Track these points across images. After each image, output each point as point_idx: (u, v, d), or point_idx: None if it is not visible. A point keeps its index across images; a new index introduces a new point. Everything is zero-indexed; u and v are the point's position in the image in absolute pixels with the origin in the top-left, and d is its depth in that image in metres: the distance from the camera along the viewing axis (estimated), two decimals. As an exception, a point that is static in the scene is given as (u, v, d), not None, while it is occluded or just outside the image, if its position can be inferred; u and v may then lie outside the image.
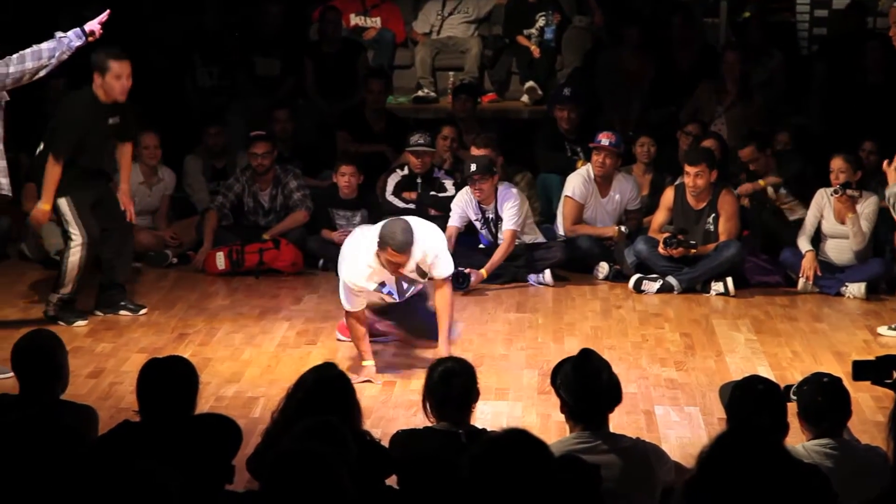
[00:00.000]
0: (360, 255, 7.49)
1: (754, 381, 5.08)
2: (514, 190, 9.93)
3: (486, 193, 9.70)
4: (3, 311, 9.01)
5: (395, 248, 7.29)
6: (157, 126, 10.68)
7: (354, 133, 11.48)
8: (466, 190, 9.89)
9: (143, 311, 9.07)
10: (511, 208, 9.77)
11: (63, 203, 8.62)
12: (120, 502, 3.79)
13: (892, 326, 8.71)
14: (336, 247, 9.34)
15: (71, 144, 8.55)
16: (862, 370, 5.01)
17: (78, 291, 8.83)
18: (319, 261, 10.31)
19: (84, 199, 8.69)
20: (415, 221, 7.59)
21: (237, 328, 8.74)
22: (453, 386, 5.16)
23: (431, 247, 7.54)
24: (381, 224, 7.47)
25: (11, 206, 10.39)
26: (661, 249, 9.76)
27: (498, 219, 9.83)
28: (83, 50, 8.29)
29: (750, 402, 4.88)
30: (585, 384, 4.90)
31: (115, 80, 8.51)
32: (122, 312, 9.01)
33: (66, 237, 8.71)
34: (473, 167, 9.68)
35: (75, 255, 8.67)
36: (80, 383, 7.31)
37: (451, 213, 9.91)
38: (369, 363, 7.63)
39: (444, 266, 7.63)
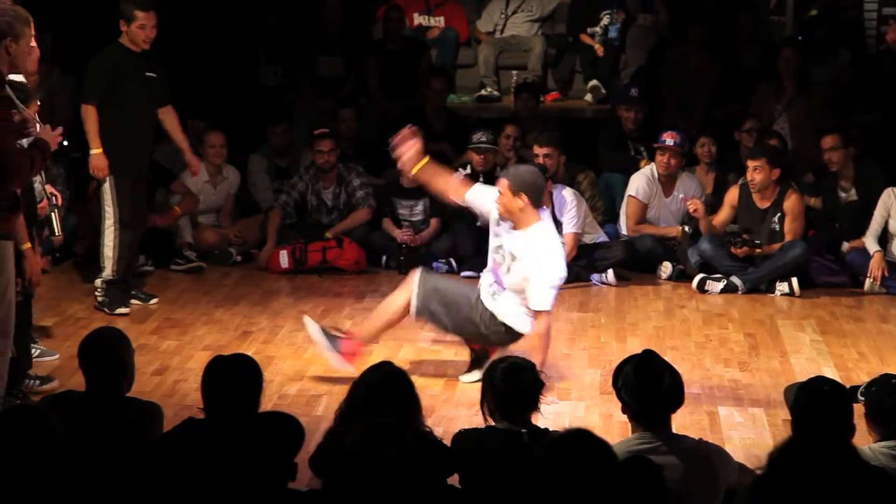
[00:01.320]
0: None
1: (820, 383, 5.03)
2: (568, 192, 9.85)
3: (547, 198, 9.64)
4: (69, 307, 9.10)
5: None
6: (222, 125, 10.76)
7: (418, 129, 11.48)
8: None
9: (153, 301, 9.18)
10: (570, 211, 9.74)
11: (107, 184, 8.82)
12: (183, 499, 3.81)
13: None
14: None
15: (100, 88, 8.73)
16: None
17: (123, 275, 8.97)
18: (382, 258, 10.34)
19: (126, 182, 8.83)
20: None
21: (300, 326, 8.72)
22: (517, 383, 5.14)
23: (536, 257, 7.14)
24: None
25: (78, 204, 10.54)
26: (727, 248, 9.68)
27: (556, 222, 9.78)
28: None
29: (815, 403, 4.84)
30: (647, 387, 4.88)
31: (139, 29, 8.70)
32: (133, 302, 9.11)
33: (102, 217, 8.90)
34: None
35: (109, 235, 8.88)
36: (146, 380, 7.36)
37: None
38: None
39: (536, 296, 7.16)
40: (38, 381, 7.20)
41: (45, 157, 6.21)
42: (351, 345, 7.44)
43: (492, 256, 7.32)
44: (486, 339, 7.40)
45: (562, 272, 7.13)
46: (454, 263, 10.19)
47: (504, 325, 7.26)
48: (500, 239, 7.25)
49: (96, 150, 8.77)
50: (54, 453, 4.24)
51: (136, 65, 8.77)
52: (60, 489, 4.22)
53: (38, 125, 6.33)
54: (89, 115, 8.75)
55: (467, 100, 12.63)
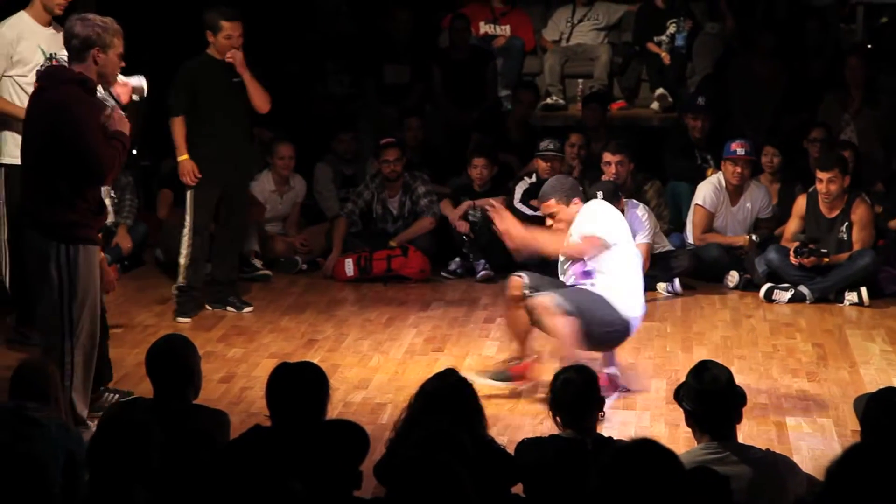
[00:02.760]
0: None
1: (891, 393, 4.98)
2: (641, 209, 9.83)
3: None
4: (138, 315, 9.17)
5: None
6: (288, 133, 10.81)
7: (489, 137, 11.52)
8: None
9: (247, 309, 9.25)
10: (643, 224, 9.72)
11: (188, 193, 8.97)
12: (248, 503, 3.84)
13: None
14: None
15: (185, 100, 8.84)
16: None
17: (192, 283, 9.07)
18: (449, 265, 10.32)
19: (207, 195, 8.95)
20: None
21: (365, 334, 8.80)
22: (573, 393, 5.14)
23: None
24: None
25: (147, 214, 10.64)
26: (792, 258, 9.64)
27: None
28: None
29: (886, 414, 4.78)
30: (705, 390, 4.86)
31: (225, 39, 8.80)
32: (228, 308, 9.21)
33: (183, 228, 9.06)
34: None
35: (184, 242, 9.02)
36: (212, 388, 7.41)
37: None
38: None
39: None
40: (115, 395, 7.19)
41: (125, 146, 6.34)
42: (518, 367, 7.45)
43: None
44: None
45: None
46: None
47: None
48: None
49: (183, 157, 8.89)
50: (153, 459, 4.33)
51: (223, 74, 8.86)
52: (147, 496, 4.29)
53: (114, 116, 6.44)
54: (176, 126, 8.89)
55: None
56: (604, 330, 7.34)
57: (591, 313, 7.25)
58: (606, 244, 7.36)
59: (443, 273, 10.37)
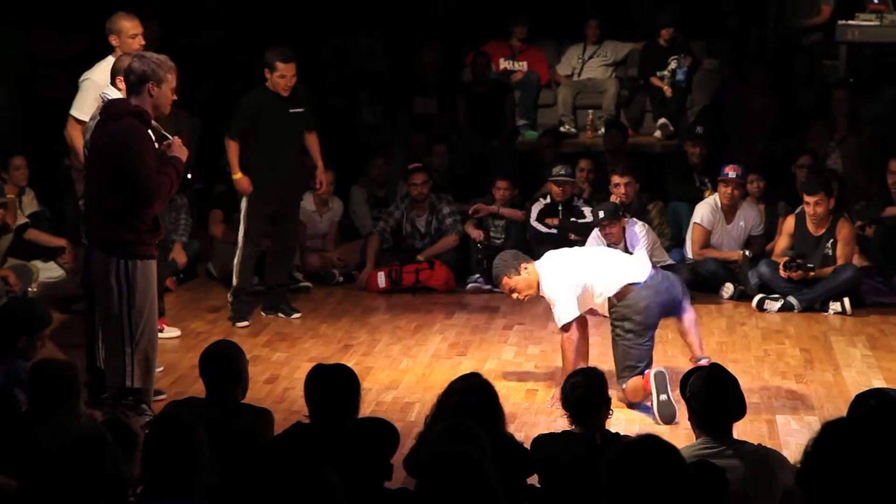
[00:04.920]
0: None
1: (870, 396, 4.92)
2: (639, 226, 9.78)
3: (616, 236, 9.53)
4: (192, 323, 9.19)
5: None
6: (327, 159, 10.82)
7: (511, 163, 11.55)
8: (596, 234, 9.75)
9: (295, 316, 9.27)
10: (639, 239, 9.67)
11: (244, 202, 9.00)
12: (292, 497, 3.83)
13: None
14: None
15: (241, 126, 8.92)
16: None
17: (247, 288, 9.12)
18: (482, 260, 10.28)
19: (264, 205, 8.99)
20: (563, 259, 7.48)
21: (395, 340, 8.80)
22: (580, 395, 5.14)
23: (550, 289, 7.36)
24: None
25: (200, 230, 10.67)
26: (781, 272, 9.61)
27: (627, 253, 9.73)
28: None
29: (873, 399, 4.74)
30: (715, 397, 4.84)
31: (279, 78, 8.86)
32: (279, 314, 9.23)
33: (238, 240, 9.09)
34: (602, 214, 9.56)
35: (237, 256, 9.07)
36: (258, 388, 7.41)
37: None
38: None
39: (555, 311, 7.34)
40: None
41: (179, 172, 6.37)
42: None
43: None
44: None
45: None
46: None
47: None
48: None
49: (237, 175, 8.95)
50: (200, 458, 4.32)
51: (279, 106, 8.91)
52: (203, 491, 4.28)
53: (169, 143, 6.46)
54: (231, 147, 8.97)
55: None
56: (632, 331, 7.23)
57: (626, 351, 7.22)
58: (569, 324, 7.24)
59: (468, 285, 10.33)
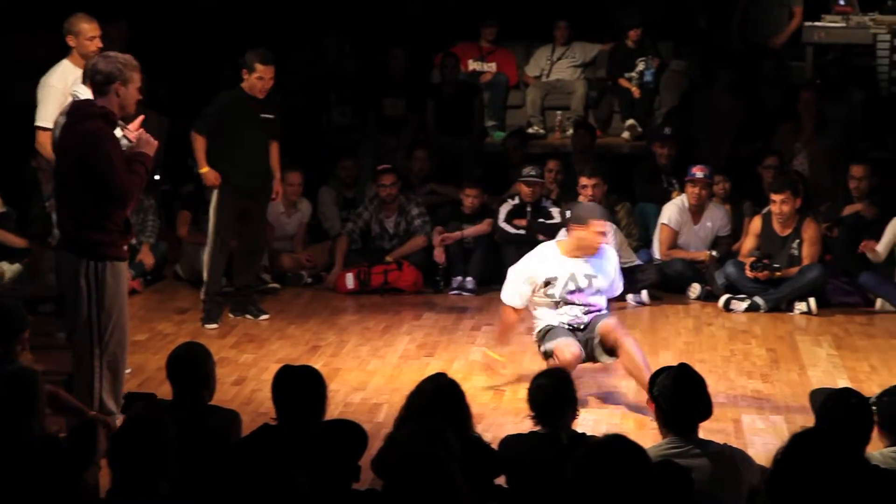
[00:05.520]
0: (540, 249, 7.61)
1: (848, 394, 4.98)
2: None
3: None
4: (159, 325, 9.16)
5: (595, 217, 7.53)
6: (296, 160, 10.82)
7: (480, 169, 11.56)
8: (564, 233, 9.79)
9: (263, 317, 9.27)
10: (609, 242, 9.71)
11: (214, 195, 8.98)
12: (259, 499, 3.83)
13: None
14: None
15: (209, 123, 8.90)
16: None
17: (217, 289, 9.11)
18: (439, 282, 10.31)
19: (233, 199, 8.96)
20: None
21: (364, 341, 8.80)
22: (544, 396, 5.16)
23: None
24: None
25: (168, 232, 10.64)
26: (748, 272, 9.67)
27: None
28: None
29: (840, 412, 4.79)
30: (682, 396, 4.86)
31: (258, 80, 8.87)
32: (247, 316, 9.22)
33: (207, 239, 9.07)
34: (569, 213, 9.61)
35: (206, 255, 9.05)
36: (226, 390, 7.40)
37: None
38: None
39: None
40: None
41: (147, 168, 6.37)
42: None
43: (564, 296, 7.47)
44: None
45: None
46: (470, 284, 10.23)
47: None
48: (570, 275, 7.46)
49: (204, 169, 8.93)
50: (169, 456, 4.32)
51: (251, 109, 8.92)
52: (168, 489, 4.28)
53: (136, 137, 6.45)
54: (197, 141, 8.94)
55: (515, 137, 12.62)
56: None
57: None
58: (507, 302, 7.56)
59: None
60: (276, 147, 9.22)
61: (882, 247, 9.68)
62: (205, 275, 9.11)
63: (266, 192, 9.35)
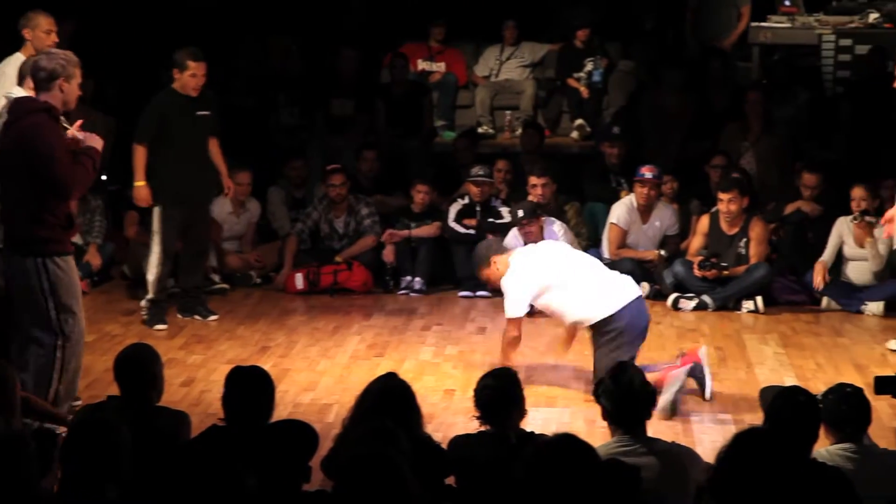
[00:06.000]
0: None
1: (796, 392, 5.03)
2: (558, 225, 9.91)
3: (535, 235, 9.66)
4: (107, 326, 9.10)
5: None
6: (245, 160, 10.78)
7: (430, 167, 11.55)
8: (515, 233, 9.84)
9: (212, 318, 9.23)
10: (559, 238, 9.76)
11: (155, 213, 8.92)
12: (208, 500, 3.82)
13: None
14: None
15: (149, 128, 8.83)
16: (884, 385, 4.97)
17: (163, 295, 9.06)
18: (389, 282, 10.31)
19: (173, 214, 8.92)
20: (527, 254, 7.68)
21: (313, 342, 8.78)
22: (489, 397, 5.18)
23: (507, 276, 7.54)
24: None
25: (115, 232, 10.56)
26: (696, 271, 9.74)
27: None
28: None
29: (789, 410, 4.83)
30: (622, 391, 4.90)
31: (190, 77, 8.81)
32: (195, 317, 9.18)
33: (150, 246, 9.00)
34: (521, 213, 9.67)
35: (153, 263, 8.97)
36: (174, 391, 7.36)
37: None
38: None
39: (506, 305, 7.59)
40: None
41: (96, 163, 6.36)
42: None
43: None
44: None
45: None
46: (418, 285, 10.22)
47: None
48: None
49: (139, 183, 8.86)
50: (122, 459, 4.29)
51: (187, 108, 8.86)
52: (116, 492, 4.25)
53: (83, 136, 6.46)
54: (139, 153, 8.86)
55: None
56: (615, 343, 7.37)
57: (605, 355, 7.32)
58: (515, 319, 7.51)
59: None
60: (215, 143, 9.17)
61: (830, 248, 9.77)
62: (151, 293, 9.04)
63: (208, 192, 9.28)
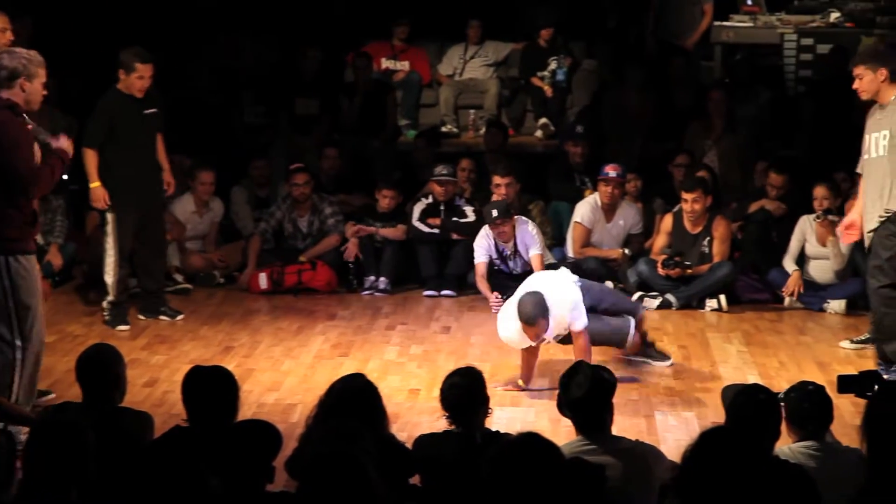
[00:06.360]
0: (510, 323, 7.41)
1: (757, 390, 5.05)
2: (529, 223, 9.92)
3: (508, 234, 9.69)
4: (68, 326, 9.05)
5: (525, 320, 7.23)
6: (208, 160, 10.74)
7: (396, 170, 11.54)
8: (486, 232, 9.84)
9: (179, 317, 9.19)
10: (534, 238, 9.79)
11: (109, 218, 8.88)
12: (171, 501, 3.80)
13: (854, 340, 8.64)
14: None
15: (99, 132, 8.78)
16: (847, 384, 4.99)
17: (124, 296, 9.03)
18: (353, 281, 10.29)
19: (127, 219, 8.88)
20: (548, 288, 7.42)
21: (277, 341, 8.76)
22: (457, 396, 5.17)
23: (562, 311, 7.39)
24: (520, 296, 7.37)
25: (76, 232, 10.50)
26: (659, 270, 9.77)
27: (516, 254, 9.82)
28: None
29: (750, 408, 4.85)
30: (572, 398, 4.94)
31: (137, 79, 8.77)
32: (160, 317, 9.14)
33: (104, 249, 8.94)
34: (495, 213, 9.67)
35: (109, 264, 8.92)
36: (137, 392, 7.32)
37: (475, 251, 9.83)
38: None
39: (578, 321, 7.46)
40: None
41: (65, 163, 6.34)
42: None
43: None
44: None
45: None
46: (383, 284, 10.21)
47: None
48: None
49: (94, 184, 8.80)
50: (88, 463, 4.26)
51: (135, 108, 8.80)
52: (77, 495, 4.23)
53: (52, 137, 6.44)
54: (89, 156, 8.80)
55: (429, 136, 12.62)
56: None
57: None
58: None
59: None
60: (160, 139, 9.12)
61: (792, 246, 9.83)
62: (108, 283, 8.98)
63: (161, 191, 9.22)
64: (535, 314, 7.19)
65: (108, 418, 5.21)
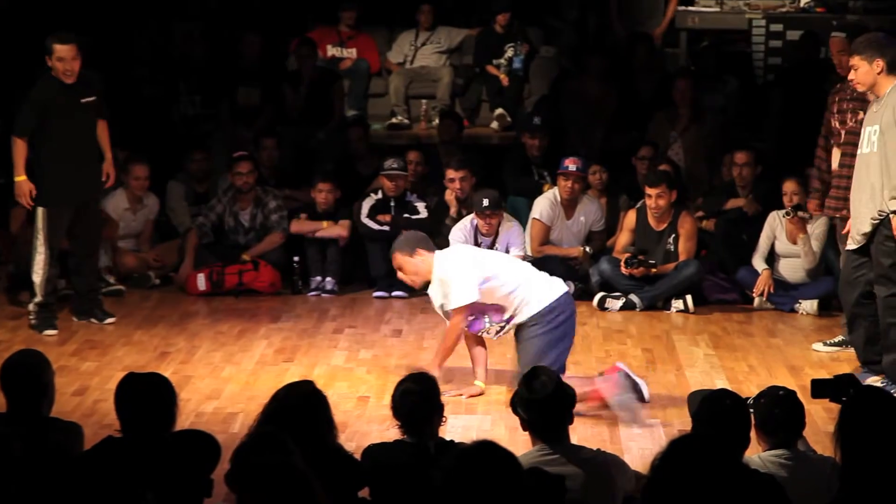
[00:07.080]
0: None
1: (723, 396, 5.07)
2: (516, 223, 9.99)
3: (493, 228, 9.72)
4: (-8, 331, 8.98)
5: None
6: (142, 152, 10.67)
7: (333, 163, 11.48)
8: (468, 222, 9.85)
9: (108, 321, 9.16)
10: (519, 240, 9.85)
11: (39, 213, 8.80)
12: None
13: (827, 342, 8.71)
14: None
15: (30, 122, 8.71)
16: (820, 388, 5.02)
17: (52, 298, 8.97)
18: (298, 282, 10.27)
19: (60, 214, 8.82)
20: (451, 256, 7.66)
21: (217, 346, 8.72)
22: (411, 403, 5.17)
23: (445, 278, 7.50)
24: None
25: (0, 230, 10.41)
26: (622, 269, 9.80)
27: (493, 249, 9.83)
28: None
29: (717, 415, 4.87)
30: (534, 398, 4.94)
31: (58, 62, 8.70)
32: (91, 319, 9.11)
33: (34, 247, 8.84)
34: (486, 202, 9.67)
35: (38, 262, 8.84)
36: (66, 401, 7.28)
37: (450, 239, 9.83)
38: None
39: (450, 300, 7.51)
40: None
41: None
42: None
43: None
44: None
45: None
46: (330, 285, 10.21)
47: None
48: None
49: (20, 178, 8.72)
50: (13, 476, 4.23)
51: (69, 96, 8.74)
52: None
53: None
54: (18, 146, 8.73)
55: (378, 128, 12.62)
56: (549, 336, 7.46)
57: (545, 349, 7.43)
58: (466, 307, 7.45)
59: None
60: (103, 126, 9.06)
61: (762, 244, 9.88)
62: (39, 295, 8.92)
63: (97, 187, 9.16)
64: (394, 245, 7.70)
65: (35, 429, 5.17)
